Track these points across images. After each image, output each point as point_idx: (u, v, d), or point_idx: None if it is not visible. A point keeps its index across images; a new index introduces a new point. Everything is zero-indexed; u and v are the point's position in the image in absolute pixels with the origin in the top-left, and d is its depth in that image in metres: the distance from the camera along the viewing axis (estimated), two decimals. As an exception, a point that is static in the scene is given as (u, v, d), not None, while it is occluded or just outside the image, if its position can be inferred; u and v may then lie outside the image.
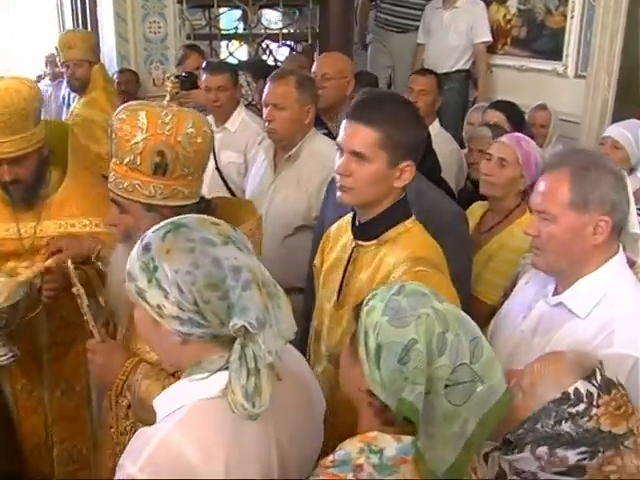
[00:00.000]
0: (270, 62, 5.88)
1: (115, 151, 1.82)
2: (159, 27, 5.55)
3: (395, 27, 6.07)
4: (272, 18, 6.36)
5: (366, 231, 1.96)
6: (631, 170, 3.48)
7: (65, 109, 5.61)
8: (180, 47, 5.39)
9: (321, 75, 3.69)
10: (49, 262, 2.20)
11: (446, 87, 4.90)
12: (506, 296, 2.30)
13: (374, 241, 1.94)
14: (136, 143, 1.77)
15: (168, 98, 1.86)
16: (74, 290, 1.97)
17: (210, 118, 3.94)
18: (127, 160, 1.79)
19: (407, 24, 6.01)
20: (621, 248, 1.92)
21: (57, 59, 6.07)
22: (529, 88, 5.18)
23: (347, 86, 3.78)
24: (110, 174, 1.86)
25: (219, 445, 1.29)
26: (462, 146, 4.24)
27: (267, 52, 6.14)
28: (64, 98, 5.74)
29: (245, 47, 6.28)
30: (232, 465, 1.29)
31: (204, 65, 4.06)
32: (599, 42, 4.71)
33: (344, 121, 1.94)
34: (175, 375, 1.72)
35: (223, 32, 6.18)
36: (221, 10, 6.19)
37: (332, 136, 3.21)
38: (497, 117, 3.65)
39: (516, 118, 3.72)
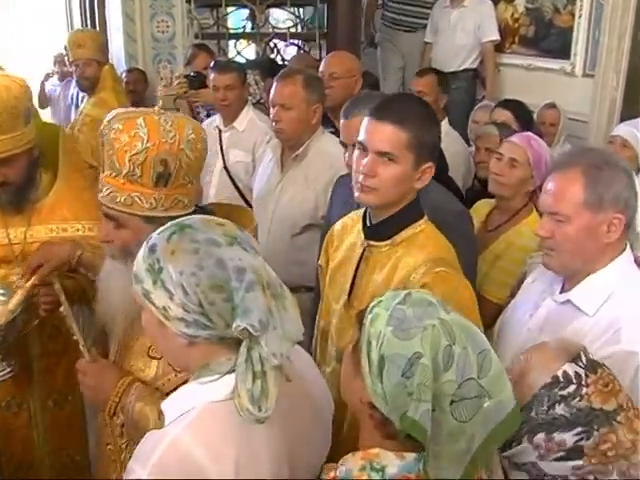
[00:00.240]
0: (278, 61, 5.88)
1: (110, 163, 1.73)
2: (167, 26, 5.56)
3: (403, 26, 6.07)
4: (280, 17, 6.36)
5: (379, 231, 1.95)
6: (638, 170, 3.47)
7: (73, 109, 5.63)
8: (189, 46, 5.41)
9: (329, 74, 3.69)
10: (33, 280, 2.09)
11: (454, 86, 4.91)
12: (513, 295, 2.30)
13: (387, 241, 1.93)
14: (137, 153, 1.68)
15: (160, 104, 1.79)
16: (61, 310, 1.91)
17: (218, 117, 3.96)
18: (125, 172, 1.70)
19: (416, 22, 6.01)
20: (628, 246, 1.92)
21: (65, 58, 6.11)
22: (537, 87, 5.17)
23: (355, 85, 3.78)
24: (103, 188, 1.76)
25: (229, 447, 1.29)
26: (467, 144, 4.24)
27: (275, 51, 6.14)
28: (72, 97, 5.76)
29: (253, 46, 6.28)
30: (242, 466, 1.30)
31: (212, 64, 4.07)
32: (607, 41, 4.70)
33: (367, 120, 1.90)
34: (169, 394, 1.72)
35: (231, 31, 6.18)
36: (229, 9, 6.19)
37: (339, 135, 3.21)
38: (505, 116, 3.65)
39: (524, 117, 3.71)
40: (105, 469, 1.94)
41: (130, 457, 1.81)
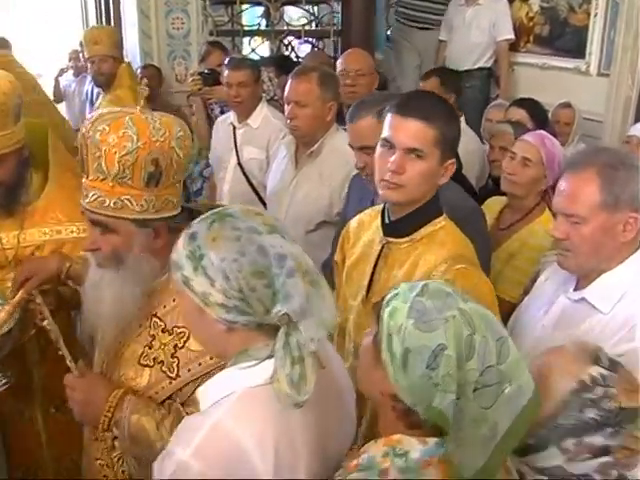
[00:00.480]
0: (292, 58, 5.90)
1: (96, 166, 1.65)
2: (182, 23, 5.59)
3: (417, 22, 6.06)
4: (294, 15, 6.37)
5: (399, 228, 1.95)
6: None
7: (88, 104, 5.67)
8: (203, 43, 5.43)
9: (355, 71, 3.68)
10: (20, 295, 2.04)
11: (467, 85, 4.91)
12: (526, 293, 2.30)
13: (407, 238, 1.93)
14: (127, 154, 1.61)
15: (142, 103, 1.72)
16: (45, 324, 1.85)
17: (232, 114, 3.98)
18: (114, 174, 1.63)
19: (429, 18, 6.00)
20: None
21: (80, 55, 6.15)
22: (551, 86, 5.16)
23: (375, 82, 3.81)
24: (88, 193, 1.69)
25: (269, 431, 1.31)
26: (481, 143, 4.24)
27: (289, 48, 6.15)
28: (87, 93, 5.80)
29: (267, 44, 6.30)
30: (281, 450, 1.31)
31: (226, 61, 4.08)
32: (623, 40, 4.68)
33: (392, 116, 1.89)
34: (164, 404, 1.71)
35: (245, 28, 6.20)
36: (244, 6, 6.21)
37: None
38: (520, 115, 3.65)
39: (539, 116, 3.71)
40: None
41: (124, 471, 1.82)
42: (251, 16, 6.41)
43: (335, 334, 2.15)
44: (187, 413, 1.65)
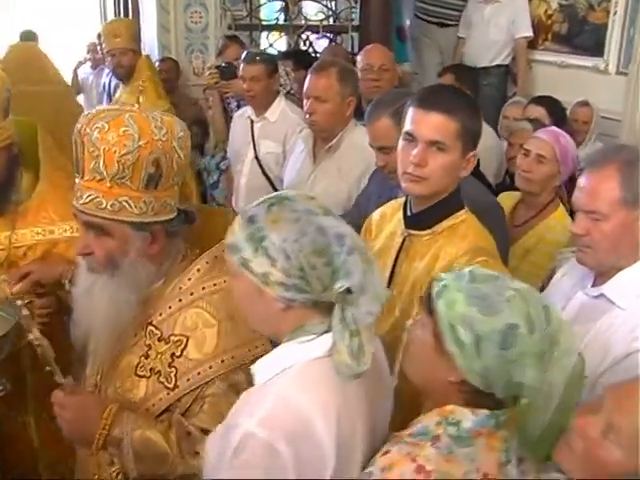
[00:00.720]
0: (310, 53, 5.90)
1: (93, 166, 1.57)
2: (200, 17, 5.62)
3: (435, 17, 6.04)
4: (311, 10, 6.37)
5: (420, 221, 1.96)
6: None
7: (106, 97, 5.71)
8: (220, 37, 5.45)
9: (379, 66, 3.68)
10: (17, 288, 2.01)
11: (485, 82, 4.90)
12: (542, 290, 2.31)
13: (428, 231, 1.95)
14: (127, 153, 1.54)
15: (141, 100, 1.69)
16: (31, 338, 1.69)
17: (249, 108, 4.00)
18: (113, 174, 1.55)
19: (449, 14, 5.97)
20: None
21: (98, 47, 6.19)
22: (569, 84, 5.14)
23: (396, 77, 3.82)
24: (82, 195, 1.61)
25: (331, 400, 1.37)
26: (498, 140, 4.23)
27: (306, 43, 6.16)
28: (105, 85, 5.84)
29: (285, 38, 6.31)
30: (342, 419, 1.37)
31: (243, 55, 4.10)
32: (642, 39, 4.66)
33: (414, 110, 1.90)
34: (161, 418, 1.67)
35: (264, 23, 6.21)
36: (262, 1, 6.23)
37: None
38: (538, 112, 3.66)
39: (558, 114, 3.73)
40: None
41: None
42: (269, 11, 6.41)
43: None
44: (188, 425, 1.63)
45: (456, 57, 5.75)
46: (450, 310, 1.35)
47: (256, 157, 3.91)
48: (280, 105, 3.93)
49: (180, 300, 1.70)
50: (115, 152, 1.54)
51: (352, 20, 6.11)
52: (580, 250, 1.94)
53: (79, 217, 1.64)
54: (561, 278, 2.15)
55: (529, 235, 2.84)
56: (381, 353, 1.59)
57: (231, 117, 4.50)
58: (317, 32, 6.16)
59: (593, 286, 1.97)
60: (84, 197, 1.59)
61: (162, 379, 1.67)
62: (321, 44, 6.14)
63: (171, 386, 1.65)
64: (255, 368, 1.47)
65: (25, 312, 1.73)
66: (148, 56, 4.73)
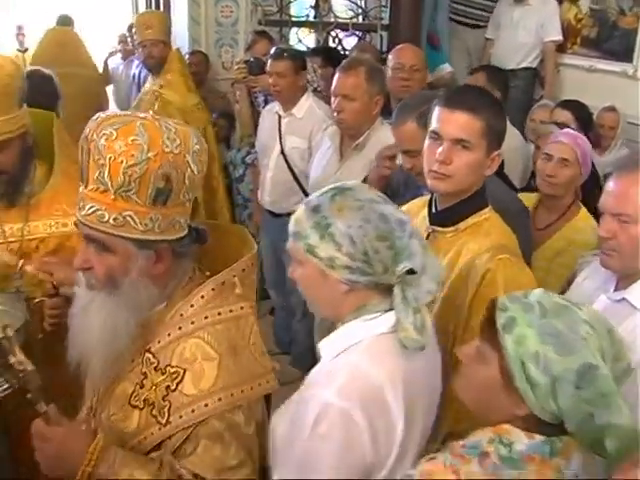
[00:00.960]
0: (339, 50, 5.92)
1: (98, 175, 1.45)
2: (231, 11, 5.67)
3: (467, 18, 6.03)
4: (341, 8, 6.39)
5: (445, 217, 2.00)
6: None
7: (135, 88, 5.77)
8: (250, 32, 5.49)
9: (410, 66, 3.69)
10: (31, 268, 2.00)
11: (511, 84, 4.86)
12: (563, 292, 2.33)
13: (452, 228, 1.98)
14: (134, 165, 1.41)
15: (156, 107, 1.57)
16: (13, 361, 1.52)
17: (277, 103, 4.04)
18: (118, 186, 1.43)
19: (482, 16, 5.96)
20: None
21: (128, 39, 6.26)
22: (597, 89, 5.11)
23: (426, 78, 3.85)
24: (85, 205, 1.49)
25: (399, 371, 1.48)
26: (524, 142, 4.23)
27: (336, 41, 6.19)
28: (135, 77, 5.90)
29: (314, 35, 6.34)
30: (408, 389, 1.48)
31: (272, 50, 4.13)
32: (672, 45, 4.64)
33: (440, 109, 1.94)
34: (152, 455, 1.54)
35: (293, 19, 6.25)
36: (293, -3, 6.26)
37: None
38: (565, 116, 3.66)
39: (584, 118, 3.73)
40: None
41: None
42: (299, 7, 6.44)
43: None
44: (180, 468, 1.50)
45: (484, 58, 5.74)
46: (520, 347, 1.32)
47: (282, 152, 3.95)
48: (307, 101, 3.97)
49: (180, 328, 1.56)
50: (122, 162, 1.41)
51: (381, 19, 6.12)
52: (605, 253, 1.95)
53: (80, 229, 1.53)
54: (582, 281, 2.17)
55: (556, 238, 2.86)
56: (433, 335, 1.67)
57: (258, 112, 4.55)
58: (346, 30, 6.18)
59: (615, 290, 1.98)
60: (86, 208, 1.48)
61: (155, 412, 1.53)
62: (350, 42, 6.16)
63: (163, 421, 1.51)
64: (320, 346, 1.57)
65: (9, 333, 1.54)
66: (179, 49, 4.78)
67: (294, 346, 4.36)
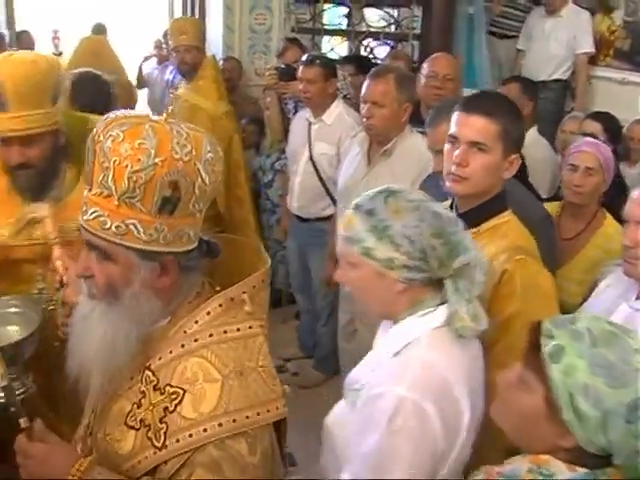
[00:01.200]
0: (370, 59, 5.97)
1: (101, 179, 1.36)
2: (265, 19, 5.75)
3: (497, 27, 6.02)
4: (373, 17, 6.44)
5: (465, 220, 2.00)
6: None
7: (168, 93, 5.86)
8: (281, 39, 5.57)
9: (443, 75, 3.68)
10: (58, 252, 2.00)
11: (542, 95, 4.86)
12: (584, 301, 2.33)
13: (473, 230, 1.98)
14: (140, 170, 1.32)
15: (170, 109, 1.49)
16: None
17: (308, 110, 4.09)
18: (122, 192, 1.33)
19: (511, 25, 5.95)
20: None
21: (163, 44, 6.37)
22: (629, 102, 5.05)
23: (459, 88, 3.86)
24: (88, 209, 1.40)
25: (460, 361, 1.58)
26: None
27: (367, 49, 6.24)
28: (169, 82, 5.99)
29: (346, 43, 6.39)
30: (469, 377, 1.58)
31: (304, 57, 4.18)
32: None
33: (458, 114, 1.99)
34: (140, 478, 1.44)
35: (326, 27, 6.31)
36: (326, 6, 6.32)
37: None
38: (594, 127, 3.64)
39: (613, 130, 3.70)
40: None
41: None
42: (332, 15, 6.50)
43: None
44: None
45: (515, 69, 5.73)
46: (569, 378, 1.25)
47: (311, 158, 4.00)
48: (337, 108, 4.02)
49: (183, 346, 1.44)
50: (127, 167, 1.32)
51: (413, 29, 6.16)
52: (628, 261, 1.96)
53: (82, 234, 1.44)
54: (605, 290, 2.18)
55: (589, 247, 2.87)
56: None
57: (288, 118, 4.61)
58: (378, 39, 6.24)
59: (637, 299, 1.99)
60: (89, 212, 1.39)
61: (151, 435, 1.41)
62: (382, 51, 6.20)
63: (159, 445, 1.40)
64: (377, 342, 1.67)
65: None
66: (214, 56, 4.84)
67: (318, 349, 4.40)
